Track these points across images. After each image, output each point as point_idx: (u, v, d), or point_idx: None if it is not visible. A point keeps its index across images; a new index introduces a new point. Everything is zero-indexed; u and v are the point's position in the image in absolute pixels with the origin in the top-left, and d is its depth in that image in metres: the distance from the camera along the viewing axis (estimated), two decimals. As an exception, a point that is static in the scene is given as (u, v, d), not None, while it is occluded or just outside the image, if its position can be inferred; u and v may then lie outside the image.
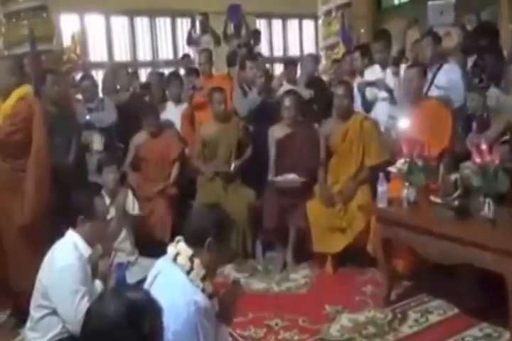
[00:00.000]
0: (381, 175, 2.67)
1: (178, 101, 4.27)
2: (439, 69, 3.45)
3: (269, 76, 4.21)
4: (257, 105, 3.82)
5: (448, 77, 3.39)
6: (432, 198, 2.48)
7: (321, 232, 3.20)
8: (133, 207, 3.34)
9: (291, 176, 3.31)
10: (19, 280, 2.52)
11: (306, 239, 3.29)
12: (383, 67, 3.64)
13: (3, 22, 4.93)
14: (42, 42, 4.87)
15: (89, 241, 2.15)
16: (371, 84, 3.60)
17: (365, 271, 3.18)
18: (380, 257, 2.74)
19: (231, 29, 6.28)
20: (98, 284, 2.17)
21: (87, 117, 3.87)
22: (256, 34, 6.69)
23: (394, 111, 3.35)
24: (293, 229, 3.35)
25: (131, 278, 2.84)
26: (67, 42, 6.32)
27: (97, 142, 3.78)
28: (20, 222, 2.65)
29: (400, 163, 2.56)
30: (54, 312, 2.07)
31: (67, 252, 2.08)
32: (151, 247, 3.34)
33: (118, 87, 4.75)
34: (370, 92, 3.63)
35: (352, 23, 6.35)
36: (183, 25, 7.80)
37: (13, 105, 2.70)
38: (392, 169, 2.66)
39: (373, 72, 3.70)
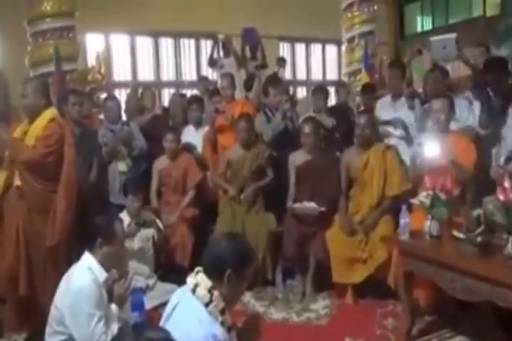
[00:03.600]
0: (403, 207, 2.69)
1: (198, 124, 4.35)
2: None
3: (294, 101, 4.28)
4: (280, 130, 3.89)
5: (459, 110, 3.42)
6: (455, 233, 2.47)
7: (341, 262, 3.23)
8: (155, 234, 3.41)
9: (310, 205, 3.35)
10: (46, 299, 2.56)
11: (326, 268, 3.31)
12: (395, 97, 3.69)
13: (29, 41, 5.14)
14: (67, 62, 5.05)
15: (105, 266, 2.19)
16: (385, 123, 3.67)
17: (385, 303, 3.18)
18: (402, 290, 2.74)
19: (247, 52, 6.42)
20: (114, 308, 2.20)
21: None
22: (280, 61, 6.84)
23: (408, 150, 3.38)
24: (313, 257, 3.38)
25: (149, 303, 2.89)
26: (91, 62, 6.54)
27: (121, 164, 3.88)
28: (50, 241, 2.75)
29: (423, 196, 2.58)
30: (70, 338, 2.10)
31: (82, 276, 2.12)
32: (170, 271, 3.40)
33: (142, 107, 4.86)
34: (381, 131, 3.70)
35: (375, 50, 6.47)
36: (207, 46, 8.03)
37: (45, 126, 2.80)
38: (414, 201, 2.68)
39: (382, 106, 3.77)
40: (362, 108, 4.32)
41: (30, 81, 3.18)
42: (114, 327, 2.13)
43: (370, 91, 4.63)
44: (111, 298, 2.20)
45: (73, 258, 2.30)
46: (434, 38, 3.91)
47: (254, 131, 3.80)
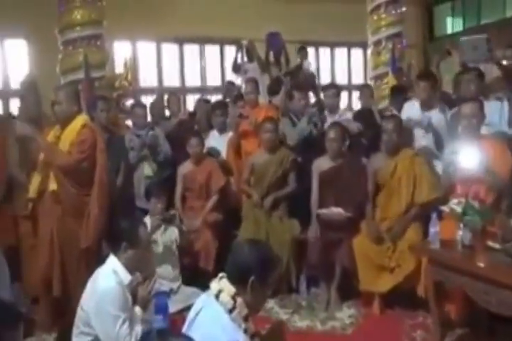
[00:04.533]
0: (433, 215, 2.61)
1: (222, 129, 4.37)
2: None
3: (321, 106, 4.23)
4: (306, 135, 3.85)
5: (490, 113, 3.31)
6: (490, 243, 2.38)
7: (368, 270, 3.16)
8: (178, 238, 3.42)
9: (337, 210, 3.31)
10: (77, 300, 2.63)
11: (352, 276, 3.25)
12: (428, 107, 3.60)
13: (60, 50, 5.27)
14: (95, 69, 5.16)
15: (129, 269, 2.22)
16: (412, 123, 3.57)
17: (414, 314, 3.09)
18: (432, 301, 2.66)
19: (271, 57, 6.42)
20: (138, 310, 2.23)
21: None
22: (302, 51, 6.78)
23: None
24: (338, 265, 3.33)
25: (173, 306, 2.90)
26: (119, 69, 6.67)
27: (147, 168, 3.93)
28: (84, 243, 2.84)
29: (454, 204, 2.50)
30: (96, 339, 2.14)
31: (108, 278, 2.17)
32: (194, 275, 3.41)
33: (168, 113, 4.92)
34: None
35: (402, 53, 6.35)
36: (232, 52, 8.09)
37: (78, 132, 2.90)
38: (445, 209, 2.60)
39: (411, 110, 3.69)
40: (390, 111, 4.21)
41: (62, 88, 3.29)
42: (138, 329, 2.17)
43: (401, 93, 4.53)
44: (135, 300, 2.23)
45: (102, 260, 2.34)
46: (464, 38, 3.81)
47: (279, 133, 3.78)
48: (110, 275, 2.18)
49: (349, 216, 3.27)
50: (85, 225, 2.86)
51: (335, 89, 4.08)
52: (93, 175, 2.89)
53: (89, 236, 2.83)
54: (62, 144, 2.90)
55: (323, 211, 3.36)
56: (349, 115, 4.10)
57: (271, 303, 3.31)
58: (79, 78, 5.04)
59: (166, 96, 5.10)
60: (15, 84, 6.58)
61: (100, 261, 2.41)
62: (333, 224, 3.30)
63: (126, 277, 2.20)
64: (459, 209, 2.47)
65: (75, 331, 2.23)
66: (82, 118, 2.97)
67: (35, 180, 2.97)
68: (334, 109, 4.01)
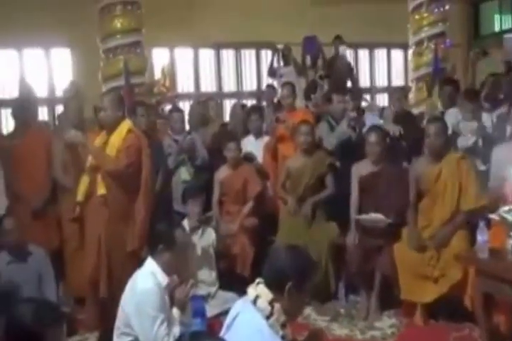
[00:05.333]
0: (481, 222, 2.51)
1: (258, 134, 4.39)
2: None
3: (360, 109, 4.17)
4: (345, 139, 3.80)
5: None
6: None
7: (410, 279, 3.07)
8: (215, 241, 3.45)
9: (378, 216, 3.24)
10: None
11: (393, 284, 3.17)
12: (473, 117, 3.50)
13: (102, 57, 5.45)
14: (135, 76, 5.30)
15: (167, 271, 2.27)
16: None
17: (461, 326, 2.97)
18: (479, 313, 2.55)
19: (308, 61, 6.39)
20: (175, 312, 2.26)
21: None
22: (336, 40, 6.71)
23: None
24: (379, 272, 3.25)
25: (210, 311, 2.93)
26: (157, 75, 6.83)
27: (184, 172, 4.00)
28: (131, 247, 2.93)
29: (505, 211, 2.39)
30: (136, 339, 2.20)
31: (146, 280, 2.22)
32: (231, 280, 3.43)
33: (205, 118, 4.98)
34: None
35: (446, 53, 6.16)
36: (268, 56, 8.12)
37: (124, 138, 2.98)
38: (494, 217, 2.48)
39: (455, 117, 3.57)
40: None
41: (107, 94, 3.39)
42: (176, 331, 2.21)
43: (453, 85, 4.39)
44: (172, 302, 2.27)
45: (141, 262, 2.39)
46: (507, 36, 3.67)
47: (315, 136, 3.75)
48: (148, 277, 2.23)
49: (390, 222, 3.19)
50: (132, 229, 2.94)
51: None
52: (139, 180, 2.97)
53: (136, 239, 2.91)
54: (109, 150, 2.98)
55: (363, 217, 3.30)
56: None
57: (308, 310, 3.28)
58: (119, 85, 5.19)
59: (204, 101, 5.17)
60: (59, 91, 6.85)
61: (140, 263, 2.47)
62: (373, 231, 3.23)
63: (163, 279, 2.24)
64: (510, 217, 2.36)
65: (116, 332, 2.29)
66: (127, 124, 3.05)
67: (83, 184, 3.07)
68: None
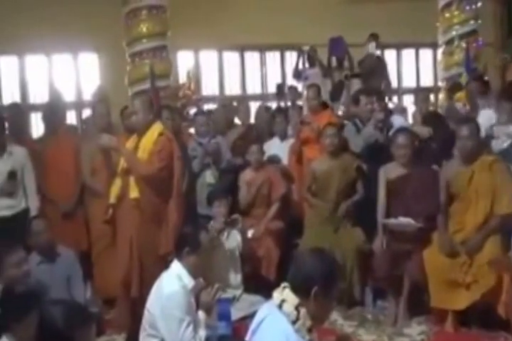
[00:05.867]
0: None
1: (283, 136, 4.39)
2: None
3: (388, 111, 4.11)
4: (372, 141, 3.76)
5: None
6: None
7: (441, 285, 3.00)
8: (240, 244, 3.47)
9: (407, 220, 3.18)
10: None
11: (422, 290, 3.11)
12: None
13: (128, 62, 5.55)
14: (160, 79, 5.38)
15: (193, 274, 2.29)
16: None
17: (494, 335, 2.89)
18: (515, 322, 2.47)
19: (333, 62, 6.33)
20: (201, 315, 2.28)
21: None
22: (370, 37, 6.62)
23: None
24: (407, 278, 3.19)
25: (235, 314, 2.94)
26: (182, 78, 6.90)
27: (209, 175, 4.03)
28: (163, 250, 2.96)
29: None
30: (162, 341, 2.21)
31: (172, 282, 2.25)
32: (255, 283, 3.43)
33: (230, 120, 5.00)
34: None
35: (478, 52, 6.00)
36: (292, 58, 8.10)
37: (156, 141, 3.01)
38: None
39: (489, 119, 3.48)
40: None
41: (137, 98, 3.43)
42: (202, 333, 2.24)
43: (484, 85, 4.30)
44: (198, 305, 2.28)
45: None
46: None
47: (342, 139, 3.72)
48: (174, 279, 2.26)
49: (420, 226, 3.13)
50: (164, 231, 2.97)
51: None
52: (171, 183, 3.00)
53: (169, 242, 2.92)
54: (140, 153, 3.02)
55: (392, 221, 3.24)
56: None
57: (335, 315, 3.25)
58: (145, 88, 5.27)
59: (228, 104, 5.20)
60: (87, 95, 7.00)
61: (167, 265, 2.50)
62: (402, 235, 3.18)
63: (189, 282, 2.27)
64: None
65: (142, 333, 2.33)
66: (158, 127, 3.08)
67: (116, 187, 3.11)
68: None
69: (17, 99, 6.98)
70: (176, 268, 2.32)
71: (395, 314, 3.22)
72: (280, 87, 7.04)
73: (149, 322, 2.29)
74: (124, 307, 3.07)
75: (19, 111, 4.13)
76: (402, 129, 3.50)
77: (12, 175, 3.39)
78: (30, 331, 1.62)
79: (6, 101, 6.79)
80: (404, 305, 3.21)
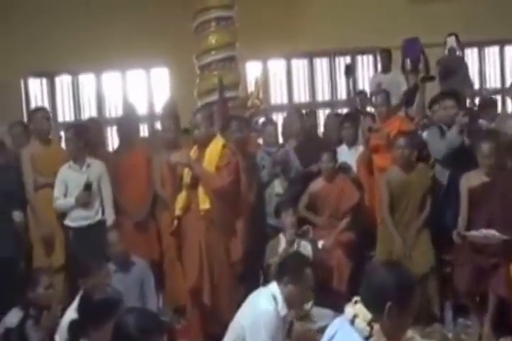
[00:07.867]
0: None
1: (352, 143, 4.33)
2: None
3: (472, 114, 3.91)
4: (456, 146, 3.57)
5: None
6: None
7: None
8: (311, 255, 3.46)
9: (490, 232, 3.03)
10: (228, 313, 2.83)
11: (510, 308, 2.95)
12: None
13: (197, 74, 5.76)
14: (229, 90, 5.52)
15: (288, 303, 2.33)
16: None
17: None
18: None
19: (408, 65, 6.13)
20: None
21: None
22: (448, 36, 6.36)
23: None
24: (493, 294, 3.03)
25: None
26: (250, 88, 7.01)
27: (278, 185, 4.05)
28: (234, 258, 3.14)
29: None
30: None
31: (268, 301, 2.31)
32: (326, 295, 3.38)
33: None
34: None
35: None
36: (364, 62, 7.96)
37: (221, 155, 3.15)
38: None
39: None
40: None
41: (199, 112, 3.57)
42: None
43: None
44: (288, 334, 2.33)
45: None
46: None
47: (414, 150, 3.60)
48: (271, 299, 2.32)
49: (506, 239, 2.96)
50: (234, 241, 3.13)
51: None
52: (239, 194, 3.16)
53: (239, 250, 3.10)
54: (206, 166, 3.16)
55: (474, 233, 3.10)
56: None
57: (411, 332, 3.09)
58: (214, 100, 5.44)
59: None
60: (158, 108, 7.35)
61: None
62: (486, 248, 3.03)
63: (283, 309, 2.32)
64: None
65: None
66: (220, 140, 3.23)
67: (181, 199, 3.27)
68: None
69: (94, 113, 7.49)
70: (274, 290, 2.36)
71: (479, 333, 3.08)
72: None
73: (237, 333, 2.35)
74: (194, 317, 3.17)
75: (97, 126, 4.43)
76: (490, 133, 3.31)
77: (88, 186, 3.64)
78: (107, 338, 1.70)
79: (85, 116, 7.32)
80: (490, 324, 3.05)
